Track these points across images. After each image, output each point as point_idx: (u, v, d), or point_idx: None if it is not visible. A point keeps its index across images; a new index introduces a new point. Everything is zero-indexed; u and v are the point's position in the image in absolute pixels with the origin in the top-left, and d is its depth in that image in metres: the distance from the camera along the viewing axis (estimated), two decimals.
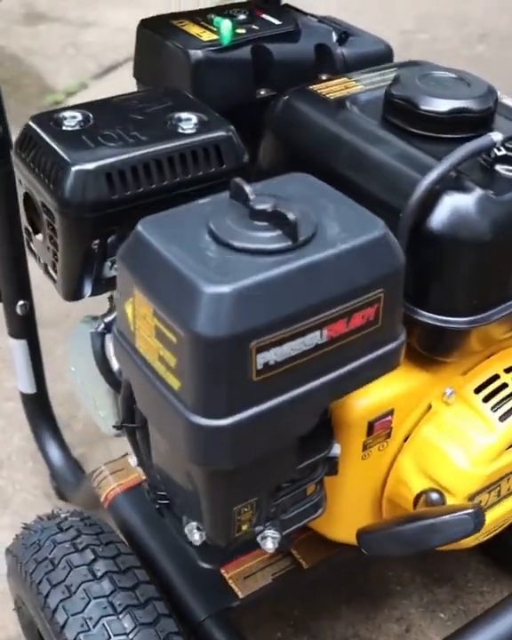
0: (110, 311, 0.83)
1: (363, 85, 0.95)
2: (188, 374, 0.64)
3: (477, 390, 0.92)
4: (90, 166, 0.77)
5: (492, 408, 0.91)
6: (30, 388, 1.40)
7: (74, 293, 0.84)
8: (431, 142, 0.85)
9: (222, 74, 0.97)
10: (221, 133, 0.83)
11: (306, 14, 1.10)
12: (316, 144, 0.90)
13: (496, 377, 0.93)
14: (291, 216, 0.64)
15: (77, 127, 0.83)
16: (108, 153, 0.79)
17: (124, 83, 2.86)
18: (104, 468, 1.18)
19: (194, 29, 1.00)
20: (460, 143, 0.84)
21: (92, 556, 0.94)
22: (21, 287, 1.28)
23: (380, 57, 1.09)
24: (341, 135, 0.88)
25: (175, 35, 0.99)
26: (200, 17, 1.04)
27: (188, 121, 0.84)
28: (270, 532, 0.80)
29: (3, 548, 1.40)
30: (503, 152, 0.82)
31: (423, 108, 0.85)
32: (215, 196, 0.72)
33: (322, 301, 0.66)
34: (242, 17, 1.02)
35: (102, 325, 0.82)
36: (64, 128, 0.83)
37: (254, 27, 1.01)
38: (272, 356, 0.65)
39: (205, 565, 1.09)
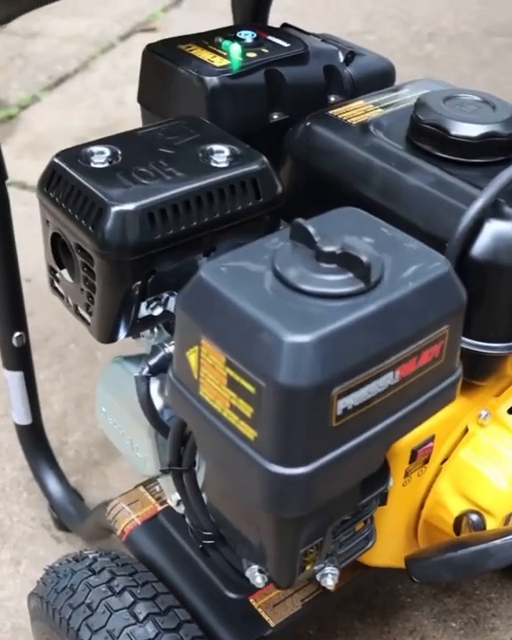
0: (153, 354, 0.80)
1: (381, 109, 0.95)
2: (268, 424, 0.63)
3: (511, 410, 0.93)
4: (130, 206, 0.75)
5: None
6: (26, 420, 1.36)
7: (110, 336, 0.82)
8: (463, 167, 0.85)
9: (238, 100, 0.95)
10: (256, 166, 0.81)
11: (307, 34, 1.09)
12: (343, 170, 0.89)
13: None
14: (364, 259, 0.63)
15: (107, 163, 0.80)
16: (146, 191, 0.76)
17: (76, 94, 2.83)
18: (118, 501, 1.16)
19: (204, 54, 0.98)
20: (490, 167, 0.84)
21: (132, 599, 0.91)
22: (17, 319, 1.24)
23: (385, 74, 1.08)
24: (371, 161, 0.87)
25: (187, 61, 0.96)
26: (206, 41, 1.01)
27: (221, 154, 0.82)
28: (329, 569, 0.79)
29: (4, 582, 1.37)
30: None
31: (454, 133, 0.85)
32: (270, 237, 0.70)
33: (396, 343, 0.65)
34: (249, 40, 1.01)
35: (146, 369, 0.79)
36: (94, 165, 0.80)
37: (264, 50, 1.00)
38: (351, 400, 0.64)
39: (233, 595, 1.08)
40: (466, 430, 0.92)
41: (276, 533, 0.72)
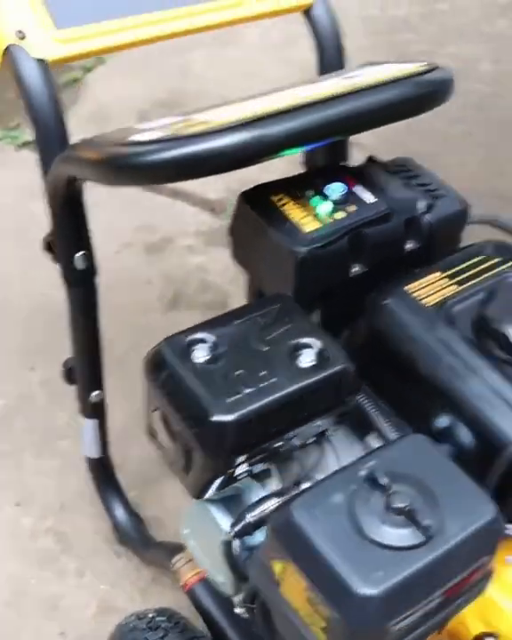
0: (238, 521, 0.95)
1: (457, 284, 1.04)
2: None
3: None
4: (229, 417, 0.86)
5: None
6: (95, 454, 1.52)
7: (200, 495, 0.96)
8: None
9: (324, 265, 1.05)
10: (341, 367, 0.92)
11: (390, 172, 1.17)
12: (414, 357, 0.99)
13: None
14: (426, 522, 0.78)
15: (208, 356, 0.91)
16: (244, 401, 0.87)
17: (139, 59, 2.84)
18: (184, 555, 1.33)
19: (295, 213, 1.06)
20: None
21: None
22: (96, 380, 1.38)
23: (460, 217, 1.16)
24: (439, 356, 0.97)
25: (279, 222, 1.05)
26: (298, 191, 1.09)
27: (309, 351, 0.93)
28: None
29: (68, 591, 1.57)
30: None
31: None
32: (351, 471, 0.84)
33: (446, 581, 0.80)
34: (337, 197, 1.08)
35: (232, 534, 0.95)
36: (196, 359, 0.91)
37: (351, 208, 1.08)
38: (404, 624, 0.79)
39: None
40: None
41: None
